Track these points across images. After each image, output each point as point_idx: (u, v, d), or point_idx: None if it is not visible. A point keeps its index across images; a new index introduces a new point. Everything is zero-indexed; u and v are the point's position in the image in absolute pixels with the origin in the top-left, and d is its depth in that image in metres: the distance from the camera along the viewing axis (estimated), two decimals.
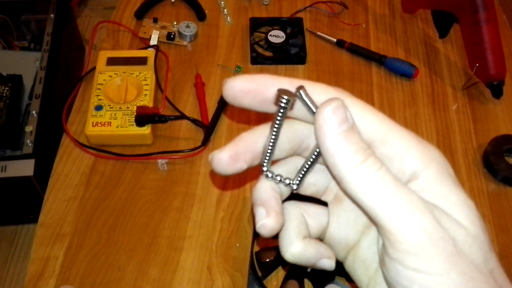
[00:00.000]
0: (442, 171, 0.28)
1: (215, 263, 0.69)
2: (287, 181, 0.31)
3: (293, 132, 0.31)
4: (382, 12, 0.99)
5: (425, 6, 0.83)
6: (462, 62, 0.92)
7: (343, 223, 0.33)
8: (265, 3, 0.99)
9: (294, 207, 0.33)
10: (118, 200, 0.74)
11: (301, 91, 0.28)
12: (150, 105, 0.80)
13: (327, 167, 0.28)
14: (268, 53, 0.91)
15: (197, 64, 0.90)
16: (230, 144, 0.30)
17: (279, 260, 0.68)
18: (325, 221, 0.33)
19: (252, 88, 0.29)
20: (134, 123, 0.77)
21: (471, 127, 0.84)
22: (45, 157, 1.21)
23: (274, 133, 0.30)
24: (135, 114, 0.78)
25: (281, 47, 0.91)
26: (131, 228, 0.71)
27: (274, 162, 0.32)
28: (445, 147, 0.81)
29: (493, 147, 0.78)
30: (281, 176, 0.31)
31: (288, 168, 0.32)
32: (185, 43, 0.93)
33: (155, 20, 0.95)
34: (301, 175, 0.31)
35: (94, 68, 0.85)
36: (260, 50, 0.92)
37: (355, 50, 0.92)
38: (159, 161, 0.78)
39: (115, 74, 0.83)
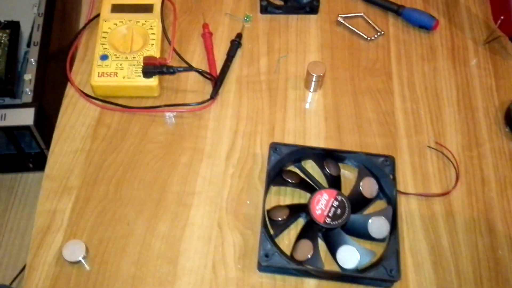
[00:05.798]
0: None
1: (225, 220, 0.67)
2: None
3: None
4: None
5: None
6: (484, 14, 0.88)
7: None
8: None
9: None
10: (126, 154, 0.72)
11: None
12: (157, 55, 0.77)
13: None
14: (279, 2, 0.87)
15: (204, 12, 0.86)
16: None
17: (292, 219, 0.66)
18: None
19: None
20: (141, 74, 0.74)
21: (493, 83, 0.80)
22: (46, 106, 1.18)
23: None
24: (142, 64, 0.74)
25: None
26: (139, 182, 0.69)
27: None
28: (465, 104, 0.78)
29: None
30: None
31: None
32: None
33: None
34: None
35: (98, 15, 0.81)
36: None
37: (371, 0, 0.87)
38: (167, 114, 0.75)
39: (120, 22, 0.79)
